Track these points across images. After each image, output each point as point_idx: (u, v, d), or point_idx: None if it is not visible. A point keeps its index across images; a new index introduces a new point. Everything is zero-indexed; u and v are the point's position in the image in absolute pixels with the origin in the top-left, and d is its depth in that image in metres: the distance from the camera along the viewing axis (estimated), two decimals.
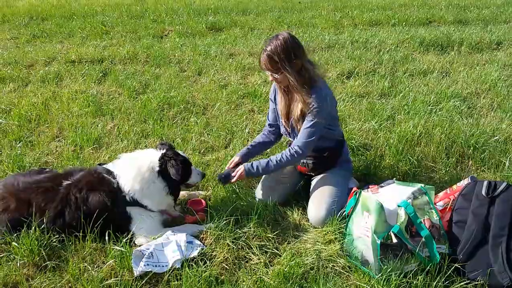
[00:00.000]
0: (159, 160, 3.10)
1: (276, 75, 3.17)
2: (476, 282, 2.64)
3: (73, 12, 11.15)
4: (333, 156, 3.52)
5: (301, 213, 3.37)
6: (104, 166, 3.18)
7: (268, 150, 3.97)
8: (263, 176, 3.60)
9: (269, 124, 3.70)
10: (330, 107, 3.26)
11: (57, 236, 2.94)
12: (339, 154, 3.55)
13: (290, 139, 3.59)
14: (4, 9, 11.72)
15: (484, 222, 2.74)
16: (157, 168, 3.08)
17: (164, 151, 3.17)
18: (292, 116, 3.37)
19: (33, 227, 2.86)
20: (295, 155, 3.29)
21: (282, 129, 3.59)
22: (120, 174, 3.07)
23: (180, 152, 3.30)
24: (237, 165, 3.45)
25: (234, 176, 3.33)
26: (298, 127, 3.34)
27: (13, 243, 2.84)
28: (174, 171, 3.06)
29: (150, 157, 3.13)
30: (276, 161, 3.31)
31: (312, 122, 3.21)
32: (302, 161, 3.53)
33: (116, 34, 9.07)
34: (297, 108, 3.27)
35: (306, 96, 3.17)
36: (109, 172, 3.10)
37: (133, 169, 3.06)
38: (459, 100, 5.39)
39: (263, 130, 3.77)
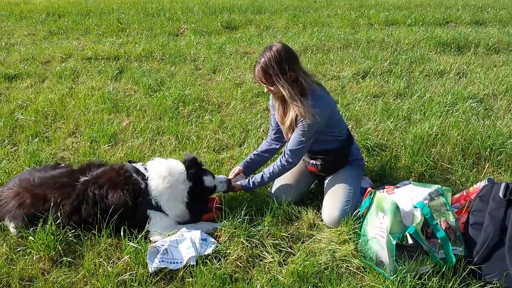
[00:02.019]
0: (187, 192, 3.13)
1: (271, 87, 3.15)
2: (492, 285, 2.61)
3: (90, 9, 11.27)
4: (341, 156, 3.49)
5: (315, 212, 3.36)
6: (134, 165, 3.18)
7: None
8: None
9: (272, 130, 3.67)
10: (323, 117, 3.18)
11: (73, 231, 2.97)
12: (347, 153, 3.51)
13: None
14: (22, 5, 11.89)
15: (501, 224, 2.71)
16: (186, 199, 3.12)
17: (193, 171, 3.17)
18: (285, 124, 3.36)
19: (49, 222, 2.88)
20: (286, 164, 3.33)
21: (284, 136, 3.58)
22: (152, 178, 3.07)
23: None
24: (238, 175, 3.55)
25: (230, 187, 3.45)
26: (289, 135, 3.35)
27: (30, 237, 2.87)
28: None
29: (185, 180, 3.14)
30: (269, 173, 3.38)
31: (302, 131, 3.19)
32: (311, 162, 3.52)
33: (132, 32, 9.14)
34: (288, 119, 3.27)
35: (299, 107, 3.13)
36: (138, 172, 3.11)
37: (168, 179, 3.07)
38: (476, 102, 5.32)
39: (268, 137, 3.74)
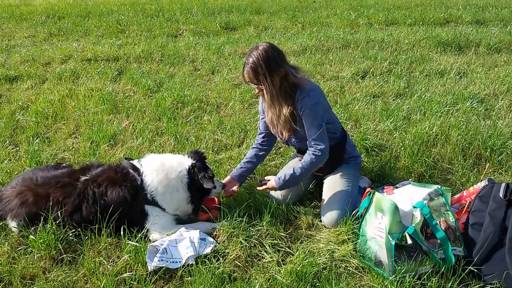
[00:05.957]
0: (188, 172, 3.15)
1: (262, 86, 3.14)
2: (492, 285, 2.60)
3: (89, 11, 11.30)
4: (336, 155, 3.44)
5: (314, 212, 3.36)
6: (131, 161, 3.21)
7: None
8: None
9: (260, 134, 3.64)
10: (321, 99, 3.22)
11: (74, 230, 2.98)
12: (341, 151, 3.50)
13: (289, 145, 3.56)
14: (22, 7, 11.93)
15: (501, 225, 2.69)
16: (186, 180, 3.13)
17: (195, 161, 3.22)
18: (279, 125, 3.34)
19: (50, 221, 2.89)
20: (318, 153, 3.19)
21: (278, 138, 3.55)
22: (146, 173, 3.10)
23: (208, 165, 3.35)
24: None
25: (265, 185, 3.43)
26: (283, 132, 3.33)
27: (31, 236, 2.88)
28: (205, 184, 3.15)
29: (181, 165, 3.18)
30: (300, 169, 3.25)
31: (311, 116, 3.17)
32: None
33: (131, 33, 9.17)
34: (282, 114, 3.26)
35: (273, 114, 3.18)
36: (135, 169, 3.13)
37: (161, 172, 3.10)
38: (477, 101, 5.31)
39: (255, 142, 3.68)
